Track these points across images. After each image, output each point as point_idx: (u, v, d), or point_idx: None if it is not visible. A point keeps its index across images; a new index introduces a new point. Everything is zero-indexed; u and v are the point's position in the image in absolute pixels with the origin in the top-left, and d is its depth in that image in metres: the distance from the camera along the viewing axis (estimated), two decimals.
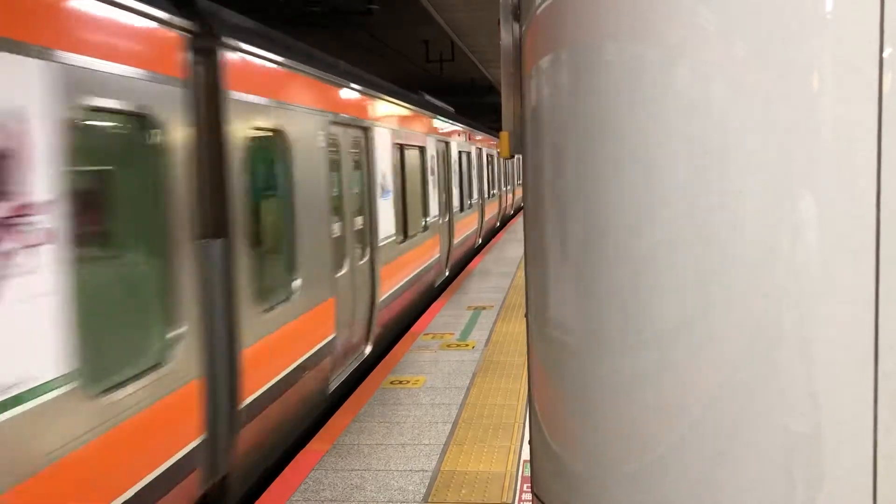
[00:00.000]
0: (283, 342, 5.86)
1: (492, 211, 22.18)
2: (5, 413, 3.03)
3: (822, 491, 1.49)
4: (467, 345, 9.02)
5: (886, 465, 1.45)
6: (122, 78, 3.80)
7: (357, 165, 8.26)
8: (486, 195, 20.63)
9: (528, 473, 4.07)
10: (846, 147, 1.42)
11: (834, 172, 1.43)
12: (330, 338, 7.03)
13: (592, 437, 1.71)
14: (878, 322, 1.42)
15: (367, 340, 8.58)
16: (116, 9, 3.80)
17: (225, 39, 4.93)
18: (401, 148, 10.50)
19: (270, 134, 5.77)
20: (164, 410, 4.15)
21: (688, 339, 1.55)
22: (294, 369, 6.11)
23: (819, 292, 1.46)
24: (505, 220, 26.86)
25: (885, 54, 1.38)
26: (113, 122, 4.01)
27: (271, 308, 5.60)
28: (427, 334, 9.65)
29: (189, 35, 4.50)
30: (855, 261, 1.43)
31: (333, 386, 7.22)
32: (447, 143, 14.38)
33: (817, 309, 1.46)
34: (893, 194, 1.40)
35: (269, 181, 5.92)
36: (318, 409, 6.84)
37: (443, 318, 10.63)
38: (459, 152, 16.05)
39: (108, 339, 3.88)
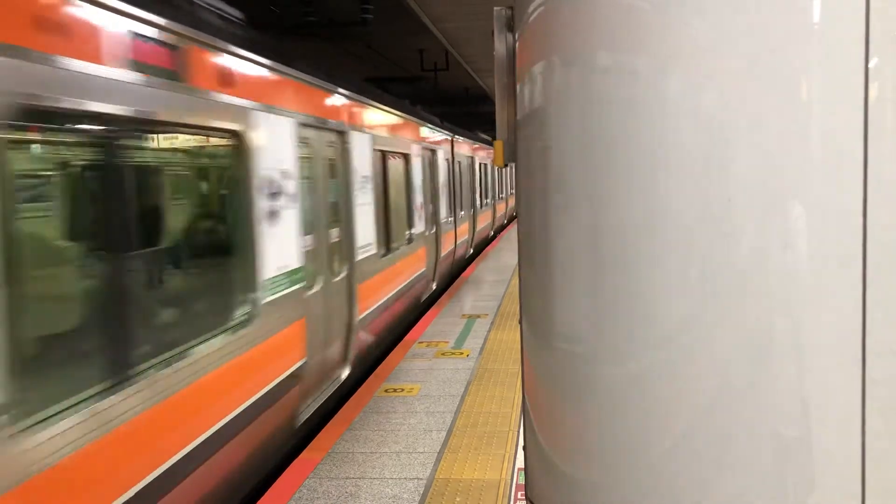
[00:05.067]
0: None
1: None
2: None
3: (813, 494, 1.51)
4: (462, 353, 9.03)
5: (875, 470, 1.47)
6: (447, 150, 15.46)
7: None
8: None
9: (522, 481, 4.07)
10: (834, 156, 1.44)
11: (822, 181, 1.45)
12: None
13: (586, 442, 1.72)
14: (865, 328, 1.44)
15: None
16: (446, 134, 15.32)
17: (454, 137, 16.23)
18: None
19: (458, 163, 16.79)
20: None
21: (681, 345, 1.56)
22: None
23: (809, 299, 1.47)
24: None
25: (870, 64, 1.41)
26: (454, 165, 16.50)
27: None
28: (422, 343, 9.65)
29: (451, 137, 15.87)
30: (843, 268, 1.45)
31: None
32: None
33: (807, 316, 1.48)
34: (879, 202, 1.42)
35: (453, 178, 16.00)
36: None
37: (437, 326, 10.64)
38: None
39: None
